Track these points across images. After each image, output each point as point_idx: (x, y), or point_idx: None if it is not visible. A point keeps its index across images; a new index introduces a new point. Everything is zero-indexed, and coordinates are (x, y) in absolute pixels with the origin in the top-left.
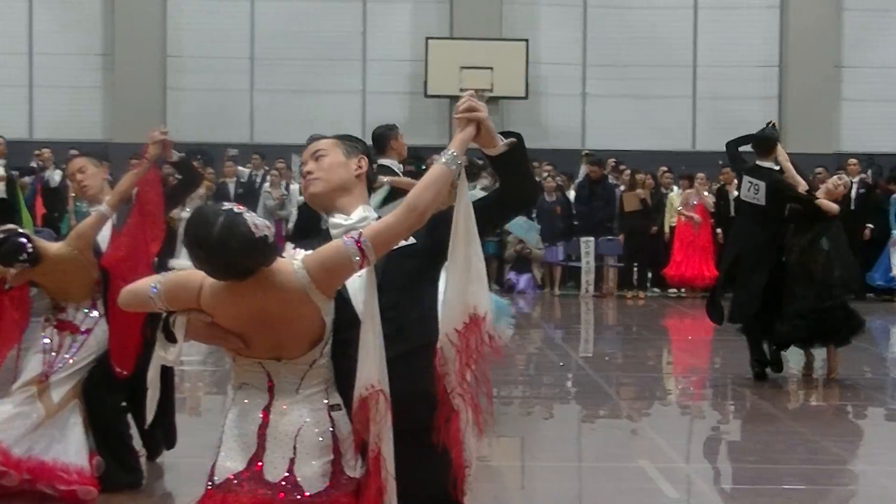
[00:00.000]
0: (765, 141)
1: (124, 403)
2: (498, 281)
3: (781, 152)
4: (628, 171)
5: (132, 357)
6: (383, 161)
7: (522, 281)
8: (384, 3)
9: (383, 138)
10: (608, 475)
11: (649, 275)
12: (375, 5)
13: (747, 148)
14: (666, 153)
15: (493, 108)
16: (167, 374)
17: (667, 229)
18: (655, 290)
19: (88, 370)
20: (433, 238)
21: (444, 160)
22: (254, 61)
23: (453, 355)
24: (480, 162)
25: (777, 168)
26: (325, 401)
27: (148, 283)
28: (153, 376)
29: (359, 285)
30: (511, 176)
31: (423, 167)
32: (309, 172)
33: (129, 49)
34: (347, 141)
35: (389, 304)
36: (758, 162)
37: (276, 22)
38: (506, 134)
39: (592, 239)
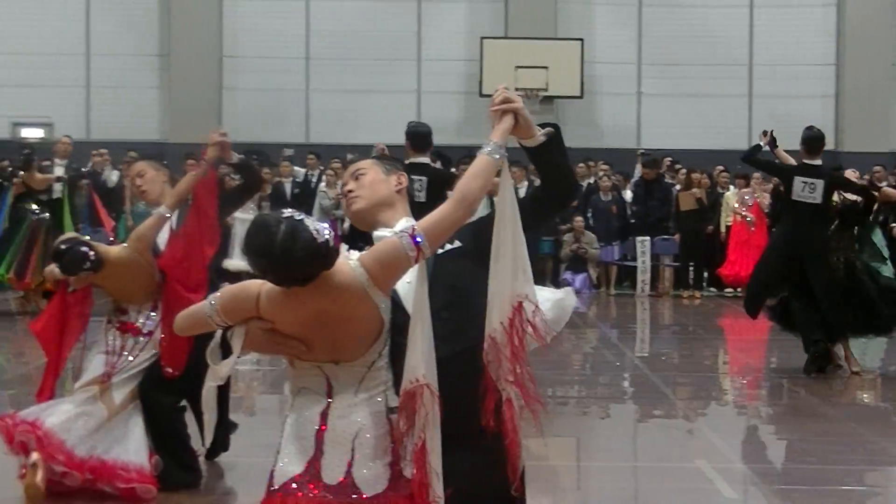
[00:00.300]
0: (817, 140)
1: (182, 403)
2: (553, 280)
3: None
4: (684, 171)
5: (183, 357)
6: (419, 159)
7: (578, 280)
8: (439, 2)
9: (428, 137)
10: (665, 475)
11: (705, 274)
12: (430, 5)
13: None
14: (722, 152)
15: (548, 107)
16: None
17: (723, 229)
18: (711, 289)
19: (146, 371)
20: (478, 240)
21: (487, 150)
22: (309, 61)
23: (506, 345)
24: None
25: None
26: (384, 403)
27: (204, 303)
28: (208, 398)
29: (409, 289)
30: (550, 167)
31: (452, 168)
32: (350, 191)
33: (186, 49)
34: (387, 161)
35: (442, 305)
36: (805, 161)
37: (331, 22)
38: (544, 125)
39: (648, 238)
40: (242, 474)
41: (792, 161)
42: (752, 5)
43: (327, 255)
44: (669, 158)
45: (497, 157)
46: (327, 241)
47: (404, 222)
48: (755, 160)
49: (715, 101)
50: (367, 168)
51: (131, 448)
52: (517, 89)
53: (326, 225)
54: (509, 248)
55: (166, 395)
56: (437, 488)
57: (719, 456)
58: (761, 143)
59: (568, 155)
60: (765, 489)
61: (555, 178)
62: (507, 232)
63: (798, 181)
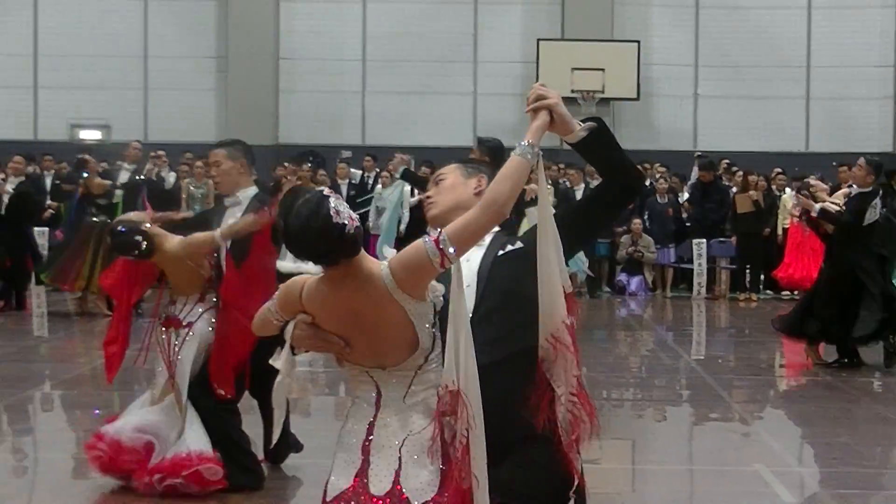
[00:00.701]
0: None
1: (230, 406)
2: (609, 282)
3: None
4: (741, 173)
5: (231, 380)
6: None
7: (634, 283)
8: (495, 4)
9: (502, 152)
10: (721, 478)
11: (762, 277)
12: (487, 7)
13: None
14: (779, 154)
15: (605, 109)
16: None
17: (780, 231)
18: (768, 292)
19: (198, 366)
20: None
21: (519, 152)
22: (365, 63)
23: (566, 353)
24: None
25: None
26: (434, 406)
27: (268, 302)
28: (278, 395)
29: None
30: (601, 162)
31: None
32: (428, 197)
33: (243, 52)
34: (470, 164)
35: (495, 307)
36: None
37: (387, 24)
38: (586, 120)
39: (704, 241)
40: (298, 476)
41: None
42: (809, 6)
43: (341, 238)
44: (726, 160)
45: (529, 157)
46: (345, 224)
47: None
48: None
49: (772, 102)
50: (448, 173)
51: (191, 437)
52: (573, 91)
53: (354, 214)
54: (552, 249)
55: (210, 397)
56: (482, 497)
57: (776, 459)
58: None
59: (619, 147)
60: (823, 493)
61: (608, 173)
62: (548, 234)
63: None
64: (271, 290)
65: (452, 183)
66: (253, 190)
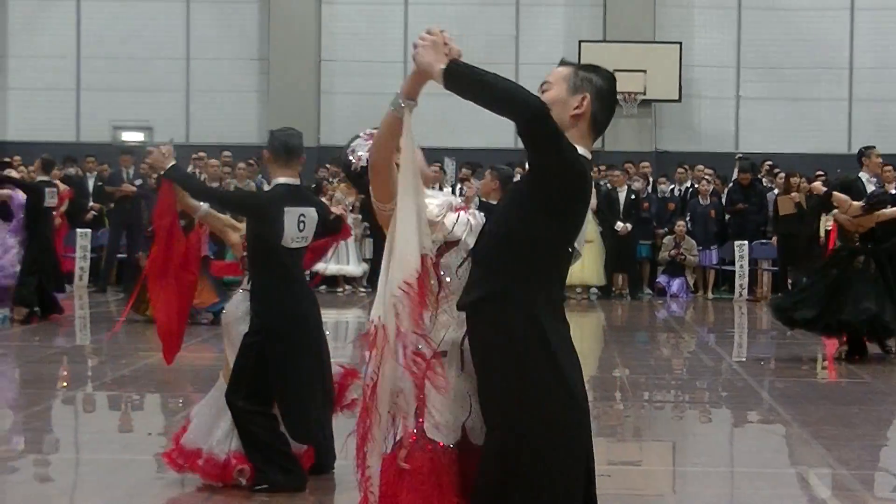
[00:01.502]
0: None
1: (256, 408)
2: (650, 284)
3: None
4: (783, 175)
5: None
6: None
7: (675, 284)
8: (537, 6)
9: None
10: (763, 480)
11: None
12: (528, 9)
13: None
14: (821, 156)
15: (646, 111)
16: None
17: (822, 233)
18: None
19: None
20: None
21: (390, 102)
22: (407, 65)
23: (406, 303)
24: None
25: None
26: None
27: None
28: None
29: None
30: (477, 102)
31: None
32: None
33: (285, 54)
34: (583, 72)
35: (482, 251)
36: None
37: (429, 26)
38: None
39: (746, 243)
40: (341, 476)
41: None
42: (852, 8)
43: (348, 172)
44: (768, 162)
45: (393, 108)
46: (352, 163)
47: None
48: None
49: (815, 104)
50: (555, 82)
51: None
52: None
53: (364, 156)
54: (411, 201)
55: (241, 399)
56: (379, 434)
57: (819, 461)
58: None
59: (488, 82)
60: (866, 496)
61: (493, 111)
62: (411, 186)
63: None
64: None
65: (555, 97)
66: (277, 180)
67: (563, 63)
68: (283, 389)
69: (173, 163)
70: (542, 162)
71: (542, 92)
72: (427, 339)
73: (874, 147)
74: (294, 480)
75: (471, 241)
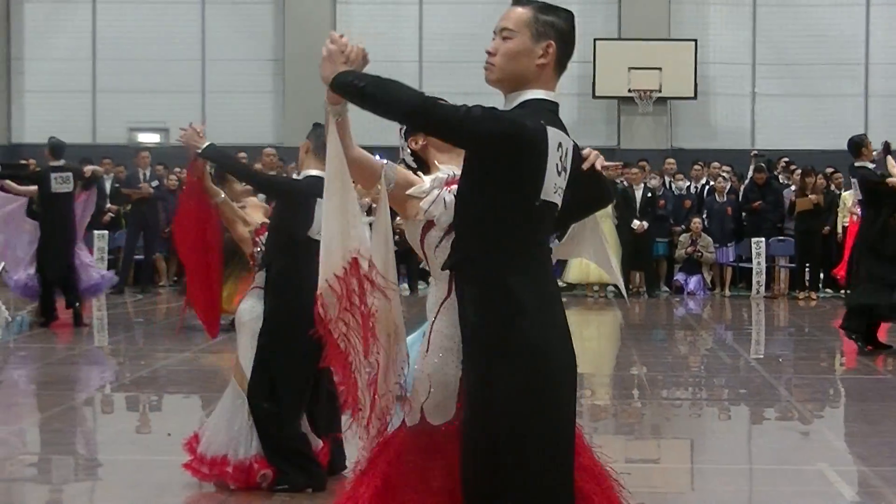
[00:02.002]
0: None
1: (265, 405)
2: (667, 282)
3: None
4: (799, 171)
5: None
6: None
7: (692, 282)
8: (552, 4)
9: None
10: (783, 477)
11: (821, 275)
12: None
13: None
14: (838, 152)
15: (662, 108)
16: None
17: (839, 229)
18: (828, 290)
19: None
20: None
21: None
22: (422, 64)
23: (334, 301)
24: None
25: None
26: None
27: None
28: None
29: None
30: (361, 107)
31: None
32: (488, 53)
33: (300, 54)
34: (543, 15)
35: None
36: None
37: (444, 25)
38: None
39: (763, 240)
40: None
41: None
42: (868, 4)
43: None
44: (785, 159)
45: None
46: None
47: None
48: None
49: (830, 100)
50: (517, 30)
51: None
52: (630, 90)
53: None
54: (338, 198)
55: (264, 400)
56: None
57: (839, 458)
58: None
59: (363, 90)
60: (887, 492)
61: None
62: (339, 183)
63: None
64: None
65: (519, 48)
66: (309, 172)
67: (518, 2)
68: (295, 381)
69: (208, 142)
70: (455, 143)
71: (504, 39)
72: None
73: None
74: (315, 480)
75: (446, 220)
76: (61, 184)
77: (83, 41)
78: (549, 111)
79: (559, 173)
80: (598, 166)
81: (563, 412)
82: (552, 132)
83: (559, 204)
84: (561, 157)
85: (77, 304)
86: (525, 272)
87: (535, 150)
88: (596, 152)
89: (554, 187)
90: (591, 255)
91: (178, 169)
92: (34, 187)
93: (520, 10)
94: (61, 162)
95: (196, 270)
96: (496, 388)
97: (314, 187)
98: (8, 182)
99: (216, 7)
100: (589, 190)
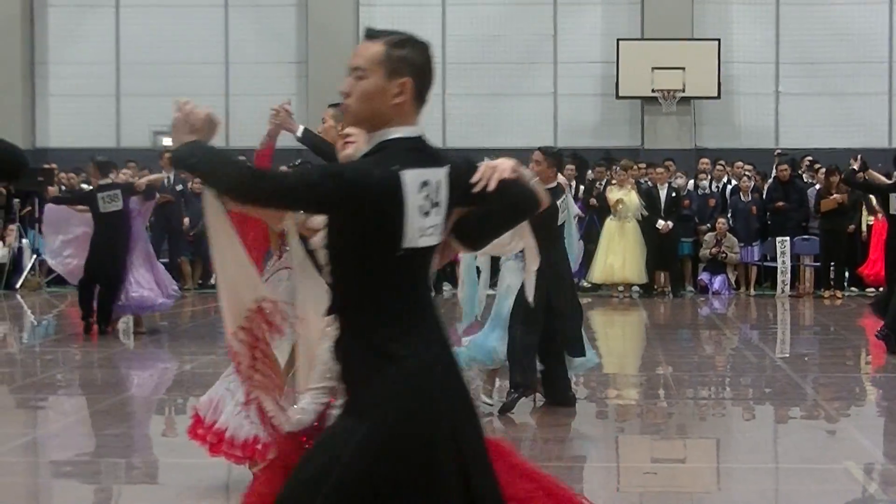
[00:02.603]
0: None
1: None
2: (692, 282)
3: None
4: (823, 170)
5: None
6: None
7: (717, 282)
8: (575, 5)
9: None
10: (810, 476)
11: (846, 274)
12: (566, 8)
13: None
14: (861, 150)
15: (686, 108)
16: None
17: (864, 228)
18: (853, 289)
19: None
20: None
21: None
22: (445, 66)
23: (244, 350)
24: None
25: None
26: None
27: None
28: None
29: None
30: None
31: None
32: (343, 94)
33: (323, 56)
34: (397, 50)
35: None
36: None
37: (467, 26)
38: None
39: (788, 239)
40: None
41: (884, 180)
42: (891, 2)
43: None
44: (809, 157)
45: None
46: None
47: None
48: (853, 182)
49: (854, 99)
50: (369, 64)
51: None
52: (654, 90)
53: None
54: (229, 254)
55: None
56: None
57: (866, 456)
58: (855, 167)
59: (195, 169)
60: None
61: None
62: (224, 233)
63: (893, 197)
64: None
65: (372, 88)
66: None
67: (370, 36)
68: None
69: (303, 127)
70: (296, 210)
71: (357, 78)
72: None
73: None
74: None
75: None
76: (109, 203)
77: (107, 45)
78: (409, 150)
79: (426, 214)
80: (493, 185)
81: (416, 483)
82: (411, 174)
83: (434, 244)
84: (428, 195)
85: (106, 326)
86: (395, 323)
87: (386, 201)
88: (494, 165)
89: (421, 230)
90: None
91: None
92: (86, 208)
93: (371, 46)
94: (109, 179)
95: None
96: (350, 438)
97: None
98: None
99: (239, 10)
100: (504, 202)
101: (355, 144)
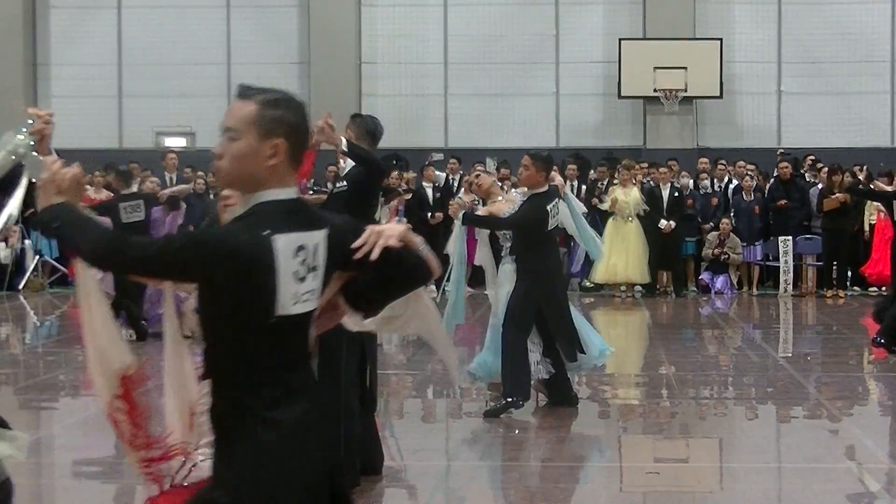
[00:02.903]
0: None
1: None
2: (696, 281)
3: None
4: (826, 169)
5: None
6: None
7: (719, 281)
8: (577, 5)
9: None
10: (813, 476)
11: (849, 273)
12: (568, 8)
13: None
14: (864, 150)
15: (688, 107)
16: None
17: (866, 227)
18: (855, 288)
19: None
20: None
21: None
22: (447, 66)
23: (125, 419)
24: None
25: None
26: None
27: None
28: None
29: None
30: None
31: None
32: (216, 156)
33: (325, 57)
34: (270, 110)
35: None
36: None
37: (469, 26)
38: None
39: (790, 238)
40: (390, 475)
41: (887, 188)
42: (893, 1)
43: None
44: (811, 157)
45: None
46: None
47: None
48: (857, 191)
49: (856, 98)
50: (240, 128)
51: None
52: (656, 90)
53: None
54: (98, 318)
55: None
56: None
57: (868, 456)
58: (860, 178)
59: (61, 237)
60: None
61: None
62: (92, 301)
63: None
64: None
65: (243, 150)
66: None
67: (242, 94)
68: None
69: (345, 139)
70: (159, 279)
71: (230, 140)
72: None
73: None
74: (351, 477)
75: None
76: (131, 213)
77: (109, 46)
78: (283, 213)
79: (302, 279)
80: (377, 253)
81: None
82: (283, 239)
83: (310, 309)
84: (305, 260)
85: (133, 336)
86: (267, 392)
87: (256, 267)
88: (380, 231)
89: (295, 297)
90: (416, 329)
91: (200, 172)
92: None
93: (243, 105)
94: (133, 188)
95: None
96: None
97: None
98: None
99: (241, 11)
100: (391, 270)
101: (232, 207)
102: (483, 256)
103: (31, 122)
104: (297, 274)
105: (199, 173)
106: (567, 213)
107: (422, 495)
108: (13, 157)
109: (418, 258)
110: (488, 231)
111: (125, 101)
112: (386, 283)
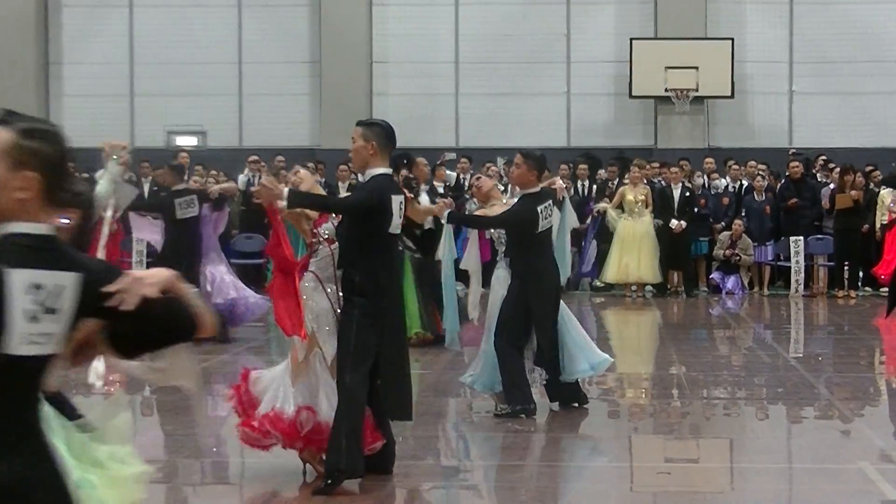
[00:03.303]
0: None
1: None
2: (707, 281)
3: None
4: (838, 169)
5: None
6: None
7: (730, 282)
8: (588, 4)
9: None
10: (824, 476)
11: (860, 273)
12: (579, 7)
13: None
14: (876, 150)
15: (699, 107)
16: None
17: (878, 227)
18: (867, 289)
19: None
20: None
21: None
22: (458, 65)
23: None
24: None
25: None
26: None
27: None
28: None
29: None
30: None
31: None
32: None
33: (336, 56)
34: (27, 141)
35: None
36: None
37: (480, 26)
38: None
39: (801, 238)
40: (401, 474)
41: None
42: None
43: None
44: (823, 157)
45: None
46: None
47: None
48: None
49: (868, 98)
50: None
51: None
52: (667, 90)
53: None
54: None
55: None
56: None
57: (880, 456)
58: None
59: None
60: None
61: None
62: None
63: None
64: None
65: None
66: (376, 171)
67: (2, 121)
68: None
69: (286, 189)
70: None
71: None
72: None
73: None
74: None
75: None
76: (186, 208)
77: (120, 45)
78: (27, 248)
79: (35, 319)
80: (132, 303)
81: None
82: (19, 274)
83: (46, 353)
84: (41, 300)
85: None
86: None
87: None
88: (140, 278)
89: (27, 337)
90: (177, 383)
91: (213, 172)
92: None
93: (1, 133)
94: (186, 184)
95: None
96: None
97: (387, 187)
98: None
99: (252, 10)
100: (152, 322)
101: None
102: (470, 260)
103: (115, 155)
104: (29, 313)
105: (212, 172)
106: (556, 220)
107: (431, 494)
108: (114, 184)
109: (184, 311)
110: (477, 233)
111: (137, 100)
112: (150, 332)
